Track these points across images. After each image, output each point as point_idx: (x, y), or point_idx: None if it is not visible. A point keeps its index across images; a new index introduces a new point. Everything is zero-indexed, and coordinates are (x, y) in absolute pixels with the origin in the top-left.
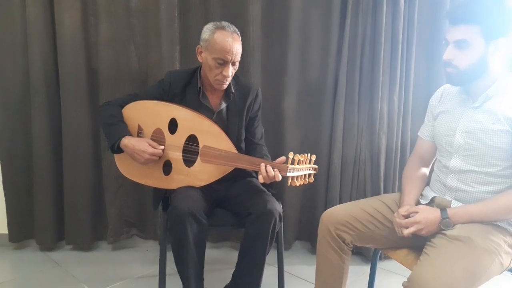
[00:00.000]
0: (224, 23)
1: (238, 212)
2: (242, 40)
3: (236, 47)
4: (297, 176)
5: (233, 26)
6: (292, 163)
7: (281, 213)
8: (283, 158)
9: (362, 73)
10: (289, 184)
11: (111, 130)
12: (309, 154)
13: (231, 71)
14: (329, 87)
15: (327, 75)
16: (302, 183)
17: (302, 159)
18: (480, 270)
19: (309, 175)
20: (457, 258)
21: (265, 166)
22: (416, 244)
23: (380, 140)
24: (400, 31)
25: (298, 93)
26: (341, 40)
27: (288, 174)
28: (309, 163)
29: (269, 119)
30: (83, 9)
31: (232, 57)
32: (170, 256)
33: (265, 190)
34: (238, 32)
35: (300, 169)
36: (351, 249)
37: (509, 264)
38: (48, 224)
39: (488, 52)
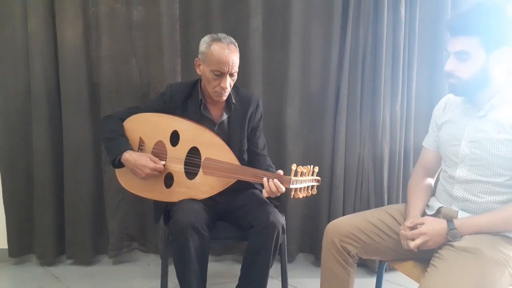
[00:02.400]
0: (221, 35)
1: (241, 225)
2: (243, 52)
3: (233, 58)
4: (300, 188)
5: (230, 37)
6: (295, 175)
7: (284, 225)
8: (280, 171)
9: (363, 83)
10: (292, 197)
11: (112, 144)
12: (312, 166)
13: (229, 82)
14: (330, 97)
15: (328, 85)
16: (305, 195)
17: (305, 170)
18: (490, 283)
19: (312, 186)
20: (466, 270)
21: (268, 180)
22: (423, 256)
23: (383, 149)
24: (401, 41)
25: (300, 104)
26: (343, 51)
27: (291, 186)
28: (312, 174)
29: (271, 129)
30: (84, 23)
31: (229, 68)
32: (172, 270)
33: (268, 202)
34: (235, 43)
35: (303, 181)
36: (356, 261)
37: None
38: (49, 238)
39: (490, 62)
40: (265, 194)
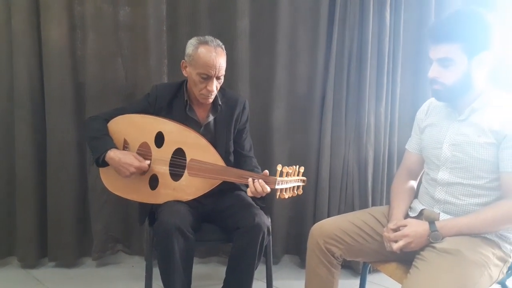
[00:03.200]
0: (208, 38)
1: (226, 226)
2: (230, 54)
3: (220, 62)
4: (286, 188)
5: (217, 40)
6: (281, 175)
7: (270, 227)
8: (266, 171)
9: (349, 87)
10: (277, 197)
11: (97, 143)
12: (297, 166)
13: (215, 85)
14: (316, 100)
15: (315, 88)
16: (290, 195)
17: (290, 171)
18: (469, 283)
19: (298, 187)
20: (447, 271)
21: (253, 181)
22: (406, 258)
23: (367, 152)
24: (386, 45)
25: (286, 106)
26: (328, 54)
27: (276, 187)
28: (298, 175)
29: (258, 131)
30: (70, 22)
31: (216, 71)
32: (156, 272)
33: (254, 203)
34: (222, 46)
35: (289, 181)
36: (341, 263)
37: (498, 276)
38: (30, 240)
39: (472, 67)
40: (249, 193)
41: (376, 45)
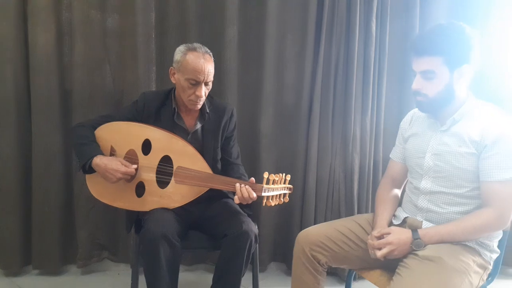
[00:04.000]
0: (196, 45)
1: (214, 234)
2: (219, 63)
3: (208, 68)
4: (272, 196)
5: (205, 47)
6: (267, 183)
7: (257, 234)
8: (252, 179)
9: (335, 96)
10: (264, 204)
11: (83, 149)
12: (283, 174)
13: (204, 91)
14: (304, 109)
15: (302, 98)
16: (277, 203)
17: (277, 178)
18: None
19: (284, 194)
20: (429, 278)
21: (240, 187)
22: (390, 265)
23: (353, 160)
24: (372, 57)
25: (274, 115)
26: (316, 65)
27: (263, 194)
28: (284, 183)
29: (246, 139)
30: (57, 28)
31: (204, 77)
32: (142, 280)
33: (241, 211)
34: (210, 53)
35: (275, 188)
36: (326, 270)
37: (478, 283)
38: (14, 247)
39: (453, 79)
40: (236, 200)
41: (362, 56)
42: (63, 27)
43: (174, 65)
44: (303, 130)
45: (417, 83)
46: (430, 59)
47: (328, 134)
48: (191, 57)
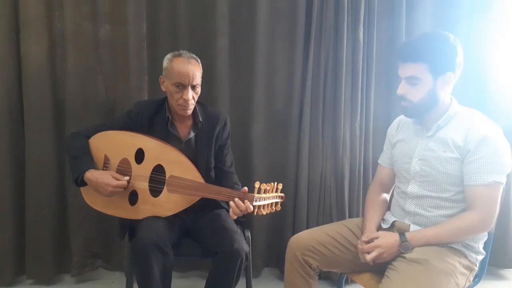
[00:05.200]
0: (182, 51)
1: (205, 247)
2: (210, 71)
3: (193, 71)
4: (264, 205)
5: (192, 54)
6: (259, 192)
7: (248, 252)
8: (245, 188)
9: (325, 103)
10: (255, 214)
11: (75, 163)
12: (275, 183)
13: (191, 94)
14: (294, 115)
15: (292, 104)
16: (268, 212)
17: (268, 188)
18: None
19: (276, 203)
20: (416, 280)
21: (235, 201)
22: (379, 268)
23: (343, 165)
24: (360, 64)
25: (265, 121)
26: (305, 72)
27: (254, 203)
28: (276, 191)
29: (237, 146)
30: (49, 39)
31: (190, 80)
32: None
33: (234, 225)
34: (197, 59)
35: (267, 198)
36: (317, 274)
37: (465, 284)
38: (8, 257)
39: (437, 86)
40: (232, 216)
41: (351, 63)
42: (55, 38)
43: (163, 73)
44: (294, 136)
45: (402, 89)
46: (415, 65)
47: (319, 140)
48: (176, 62)
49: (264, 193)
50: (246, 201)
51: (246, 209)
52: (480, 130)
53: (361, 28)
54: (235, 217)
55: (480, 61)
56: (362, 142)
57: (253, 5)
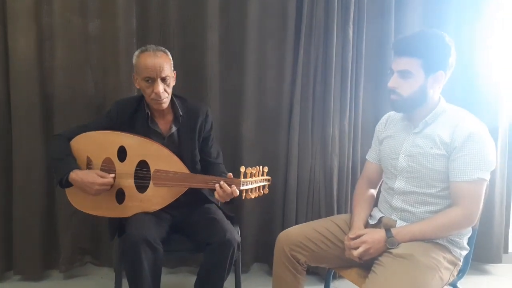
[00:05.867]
0: (149, 46)
1: (196, 240)
2: (200, 67)
3: (160, 63)
4: (252, 189)
5: (160, 47)
6: (245, 176)
7: (239, 242)
8: (230, 174)
9: (315, 100)
10: (243, 198)
11: (59, 165)
12: (261, 166)
13: (162, 87)
14: (284, 112)
15: (282, 101)
16: (257, 195)
17: (254, 171)
18: (422, 286)
19: (264, 186)
20: (402, 274)
21: (219, 184)
22: (366, 263)
23: (332, 162)
24: (349, 62)
25: (256, 118)
26: (295, 69)
27: (241, 188)
28: (262, 175)
29: (227, 142)
30: (38, 33)
31: (158, 73)
32: (126, 284)
33: (224, 217)
34: (166, 51)
35: (253, 181)
36: (305, 269)
37: (449, 278)
38: None
39: (428, 83)
40: (217, 196)
41: (340, 61)
42: (43, 32)
43: (134, 70)
44: (284, 132)
45: (393, 81)
46: (409, 60)
47: (308, 136)
48: (143, 57)
49: (250, 177)
50: (232, 185)
51: (232, 193)
52: (467, 127)
53: (351, 26)
54: (223, 200)
55: (468, 61)
56: (351, 139)
57: (244, 1)
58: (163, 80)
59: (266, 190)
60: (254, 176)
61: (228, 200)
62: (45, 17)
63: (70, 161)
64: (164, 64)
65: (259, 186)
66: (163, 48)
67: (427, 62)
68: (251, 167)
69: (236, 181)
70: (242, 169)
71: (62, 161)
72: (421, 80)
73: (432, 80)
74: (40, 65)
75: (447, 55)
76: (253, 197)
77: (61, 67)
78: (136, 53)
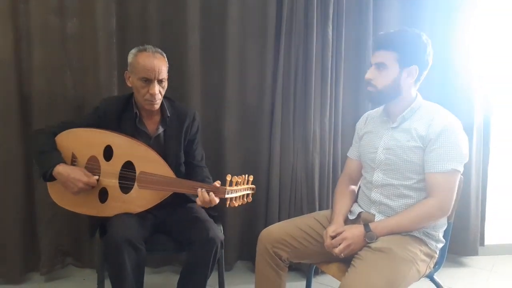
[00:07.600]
0: (147, 46)
1: (179, 240)
2: (182, 66)
3: (159, 65)
4: (236, 197)
5: (158, 48)
6: (230, 184)
7: (223, 240)
8: (218, 182)
9: (296, 99)
10: (227, 206)
11: (44, 157)
12: (246, 175)
13: (158, 89)
14: (266, 111)
15: (264, 100)
16: (240, 203)
17: (239, 180)
18: (399, 278)
19: (247, 195)
20: (380, 268)
21: (202, 191)
22: (346, 258)
23: (314, 160)
24: (329, 61)
25: (237, 117)
26: (276, 68)
27: (226, 196)
28: (247, 183)
29: (210, 142)
30: (14, 33)
31: (155, 74)
32: (108, 285)
33: (207, 216)
34: (163, 54)
35: (238, 190)
36: (288, 266)
37: (426, 270)
38: None
39: (402, 76)
40: (198, 203)
41: (320, 59)
42: (20, 32)
43: (128, 68)
44: (266, 131)
45: (370, 73)
46: (385, 53)
47: (290, 135)
48: (141, 56)
49: (235, 185)
50: (210, 193)
51: (210, 201)
52: (442, 121)
53: (330, 25)
54: (206, 206)
55: (443, 59)
56: (331, 137)
57: (224, 1)
58: (160, 82)
59: (250, 199)
60: (240, 184)
61: (208, 207)
62: (22, 17)
63: (56, 155)
64: (162, 66)
65: (243, 195)
66: (160, 50)
67: (402, 55)
68: (237, 176)
69: (221, 189)
70: (228, 177)
71: (48, 154)
72: (395, 73)
73: (406, 73)
74: (17, 66)
75: (422, 51)
76: (236, 205)
77: (39, 68)
78: (133, 51)
